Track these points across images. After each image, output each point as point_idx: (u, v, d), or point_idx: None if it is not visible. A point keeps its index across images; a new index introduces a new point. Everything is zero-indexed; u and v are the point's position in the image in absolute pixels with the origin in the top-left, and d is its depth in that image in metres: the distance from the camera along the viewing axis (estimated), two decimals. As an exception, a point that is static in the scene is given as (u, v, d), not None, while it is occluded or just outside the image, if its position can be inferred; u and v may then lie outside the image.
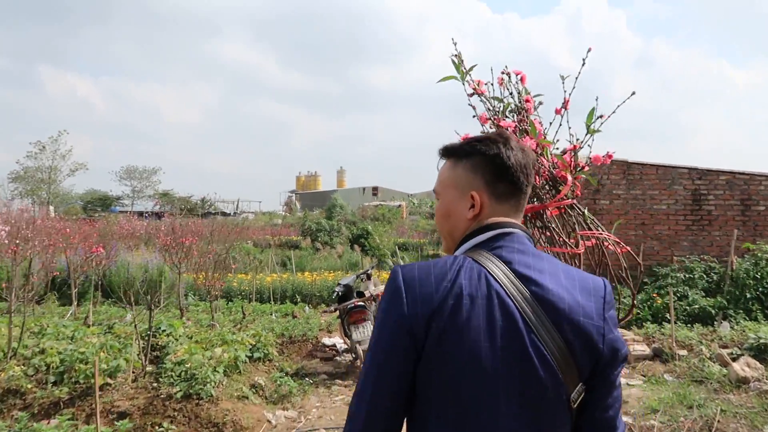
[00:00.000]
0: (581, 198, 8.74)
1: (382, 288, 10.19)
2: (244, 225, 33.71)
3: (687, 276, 8.25)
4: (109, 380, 5.17)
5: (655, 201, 9.12)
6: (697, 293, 8.07)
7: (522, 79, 2.67)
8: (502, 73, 2.68)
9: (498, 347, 1.10)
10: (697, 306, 7.83)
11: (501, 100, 2.69)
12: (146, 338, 5.72)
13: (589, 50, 2.80)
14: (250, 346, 6.47)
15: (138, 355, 5.68)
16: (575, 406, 1.14)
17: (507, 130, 2.58)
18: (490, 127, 2.71)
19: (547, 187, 2.68)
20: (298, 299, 12.23)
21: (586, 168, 2.60)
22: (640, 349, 6.85)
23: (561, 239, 2.57)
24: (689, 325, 7.58)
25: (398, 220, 35.50)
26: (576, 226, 2.56)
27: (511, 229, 1.24)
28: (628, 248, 2.62)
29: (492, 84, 2.74)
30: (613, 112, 2.68)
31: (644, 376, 6.24)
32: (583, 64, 2.77)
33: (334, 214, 32.88)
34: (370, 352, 1.18)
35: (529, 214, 2.65)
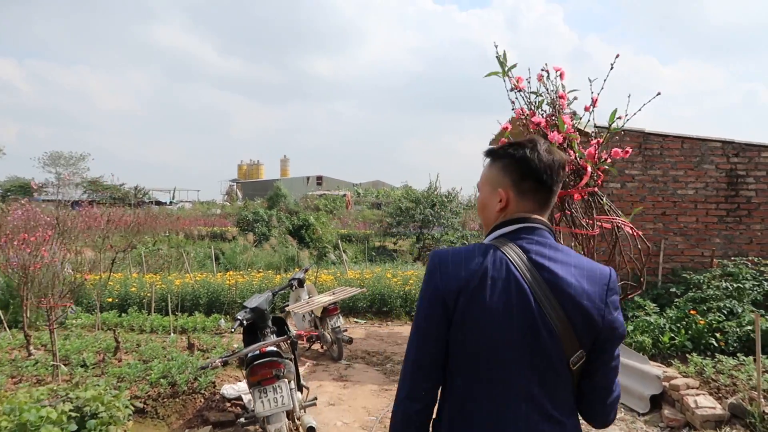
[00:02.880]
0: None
1: (320, 300, 7.34)
2: (178, 215, 30.11)
3: (733, 285, 5.84)
4: None
5: (679, 185, 6.69)
6: (748, 309, 5.66)
7: (561, 76, 2.74)
8: (542, 70, 2.76)
9: (513, 320, 1.29)
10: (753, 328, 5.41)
11: (539, 95, 2.82)
12: None
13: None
14: (76, 426, 3.55)
15: None
16: (575, 368, 1.33)
17: (538, 125, 2.86)
18: (523, 122, 2.91)
19: (572, 175, 2.82)
20: (202, 310, 9.20)
21: (609, 160, 2.71)
22: (707, 405, 4.31)
23: (579, 222, 2.74)
24: (748, 357, 5.14)
25: (343, 211, 32.84)
26: (594, 211, 2.69)
27: (534, 224, 1.39)
28: (640, 233, 2.77)
29: (529, 80, 2.89)
30: (635, 113, 2.85)
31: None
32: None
33: (276, 204, 30.00)
34: (415, 320, 1.39)
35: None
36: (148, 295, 9.55)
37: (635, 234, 2.84)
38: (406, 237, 23.14)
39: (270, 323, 4.42)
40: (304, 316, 7.20)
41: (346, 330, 7.01)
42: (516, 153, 1.41)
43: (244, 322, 4.23)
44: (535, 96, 2.84)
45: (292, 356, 4.04)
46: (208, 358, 5.95)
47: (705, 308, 5.74)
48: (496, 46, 2.84)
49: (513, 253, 1.33)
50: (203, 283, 9.97)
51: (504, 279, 1.29)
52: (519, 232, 1.37)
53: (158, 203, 42.79)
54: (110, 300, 9.79)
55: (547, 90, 2.78)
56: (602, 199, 2.81)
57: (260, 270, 13.64)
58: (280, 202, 30.20)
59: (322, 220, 23.09)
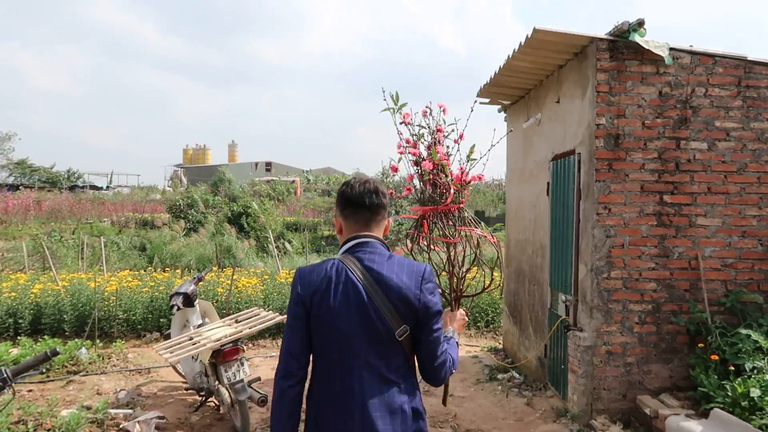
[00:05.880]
0: (654, 137, 4.54)
1: (213, 335, 4.37)
2: (103, 200, 26.12)
3: None
4: None
5: (800, 146, 4.07)
6: None
7: (444, 111, 2.93)
8: (426, 107, 2.94)
9: (351, 311, 1.67)
10: None
11: (425, 127, 2.96)
12: None
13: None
14: None
15: None
16: (401, 339, 1.69)
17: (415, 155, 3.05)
18: (406, 151, 3.00)
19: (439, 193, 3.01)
20: (67, 330, 6.08)
21: (472, 182, 2.90)
22: None
23: (443, 232, 2.94)
24: None
25: (291, 197, 29.67)
26: (458, 222, 2.87)
27: (366, 239, 1.78)
28: (496, 240, 2.92)
29: (417, 113, 3.00)
30: (488, 150, 2.95)
31: None
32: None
33: (220, 189, 26.65)
34: (287, 319, 1.76)
35: (430, 213, 2.94)
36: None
37: (494, 241, 2.95)
38: (359, 226, 20.28)
39: None
40: (194, 356, 4.23)
41: (258, 380, 4.10)
42: (339, 190, 1.84)
43: None
44: (419, 128, 3.00)
45: None
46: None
47: None
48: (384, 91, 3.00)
49: (350, 263, 1.72)
50: (73, 290, 6.79)
51: (343, 282, 1.68)
52: (355, 246, 1.76)
53: (94, 188, 38.53)
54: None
55: (428, 125, 2.95)
56: (467, 213, 2.93)
57: (181, 266, 10.50)
58: (225, 188, 26.90)
59: (266, 207, 19.93)
